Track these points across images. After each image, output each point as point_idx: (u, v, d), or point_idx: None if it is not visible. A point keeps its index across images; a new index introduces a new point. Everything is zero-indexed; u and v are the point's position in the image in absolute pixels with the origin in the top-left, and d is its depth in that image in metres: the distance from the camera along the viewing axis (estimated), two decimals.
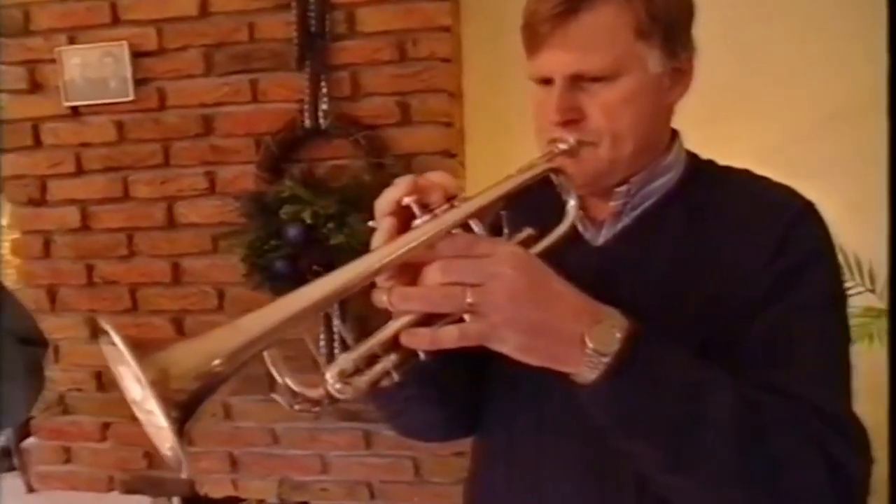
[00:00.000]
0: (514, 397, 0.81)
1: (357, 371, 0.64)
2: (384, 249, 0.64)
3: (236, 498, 2.17)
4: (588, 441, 0.74)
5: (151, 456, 2.17)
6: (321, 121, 1.82)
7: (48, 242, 2.15)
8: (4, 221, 6.53)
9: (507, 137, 2.01)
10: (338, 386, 0.62)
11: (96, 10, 2.03)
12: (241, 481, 2.11)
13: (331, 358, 1.68)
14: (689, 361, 0.66)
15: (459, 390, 0.84)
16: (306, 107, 1.82)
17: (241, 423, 2.05)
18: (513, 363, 0.63)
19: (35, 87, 2.11)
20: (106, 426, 2.19)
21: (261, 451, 2.07)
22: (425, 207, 0.65)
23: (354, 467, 2.02)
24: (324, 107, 1.82)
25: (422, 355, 0.64)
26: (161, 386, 0.56)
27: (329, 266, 1.68)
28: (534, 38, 0.74)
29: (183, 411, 0.58)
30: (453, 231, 0.65)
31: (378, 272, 0.64)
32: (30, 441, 3.01)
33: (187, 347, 0.64)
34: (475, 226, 0.67)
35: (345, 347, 0.67)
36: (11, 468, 4.00)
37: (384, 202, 0.67)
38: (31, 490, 3.78)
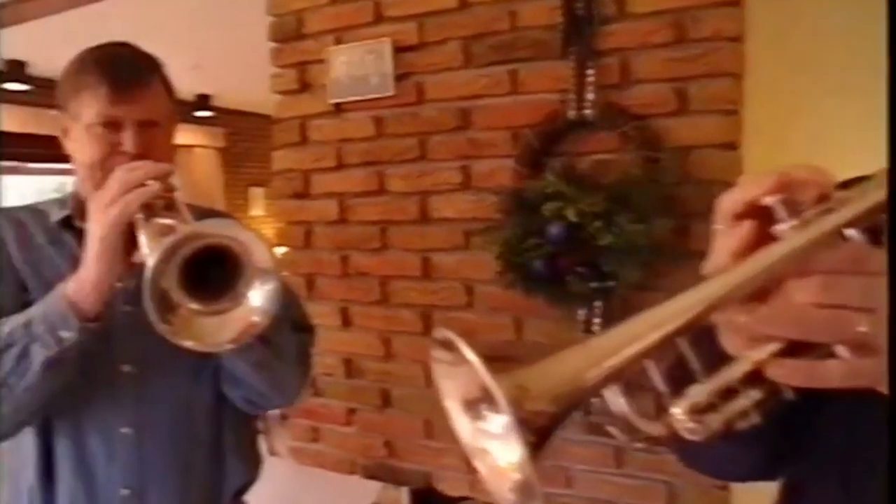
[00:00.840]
0: (852, 439, 0.66)
1: (710, 406, 0.53)
2: (756, 261, 0.51)
3: (463, 497, 2.14)
4: None
5: (391, 445, 2.21)
6: (586, 111, 1.69)
7: (309, 233, 2.27)
8: (261, 211, 7.28)
9: (787, 124, 1.75)
10: (690, 425, 0.53)
11: (362, 10, 2.09)
12: (480, 483, 2.06)
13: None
14: None
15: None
16: (570, 97, 1.71)
17: None
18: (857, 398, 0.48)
19: (304, 86, 2.23)
20: (352, 412, 2.26)
21: None
22: (792, 209, 0.52)
23: (600, 485, 1.87)
24: (589, 96, 1.69)
25: (788, 393, 0.52)
26: (518, 406, 0.47)
27: (593, 268, 1.54)
28: None
29: (539, 438, 0.49)
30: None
31: (748, 288, 0.51)
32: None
33: (541, 367, 0.56)
34: (854, 235, 0.51)
35: None
36: (258, 432, 4.49)
37: (736, 201, 0.54)
38: (272, 453, 4.19)
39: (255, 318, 0.94)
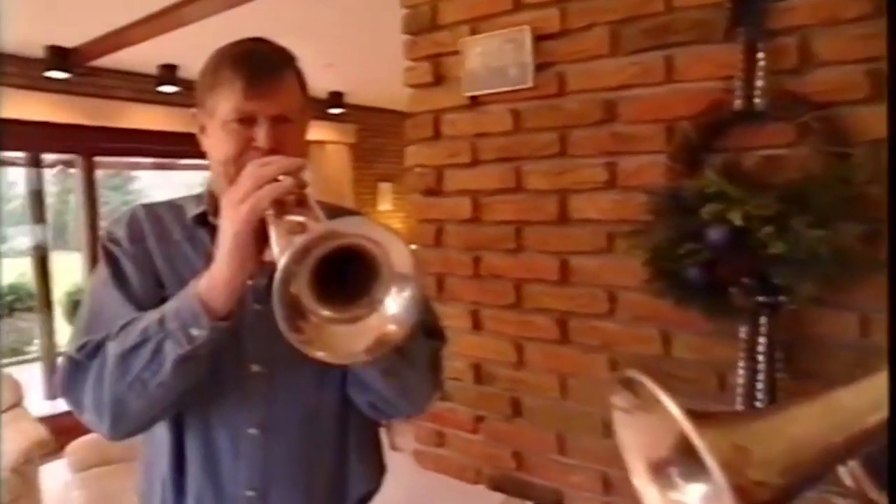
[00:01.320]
0: None
1: None
2: None
3: None
4: None
5: (520, 456, 2.09)
6: (755, 101, 1.48)
7: (440, 231, 2.19)
8: (389, 206, 7.43)
9: None
10: None
11: None
12: None
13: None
14: None
15: None
16: (737, 84, 1.50)
17: None
18: None
19: (438, 79, 2.16)
20: (479, 419, 2.17)
21: None
22: None
23: None
24: (759, 83, 1.48)
25: None
26: (735, 473, 0.35)
27: (761, 279, 1.33)
28: None
29: None
30: None
31: None
32: None
33: (764, 424, 0.42)
34: None
35: None
36: (382, 428, 4.56)
37: None
38: (394, 448, 4.24)
39: (391, 328, 0.86)
